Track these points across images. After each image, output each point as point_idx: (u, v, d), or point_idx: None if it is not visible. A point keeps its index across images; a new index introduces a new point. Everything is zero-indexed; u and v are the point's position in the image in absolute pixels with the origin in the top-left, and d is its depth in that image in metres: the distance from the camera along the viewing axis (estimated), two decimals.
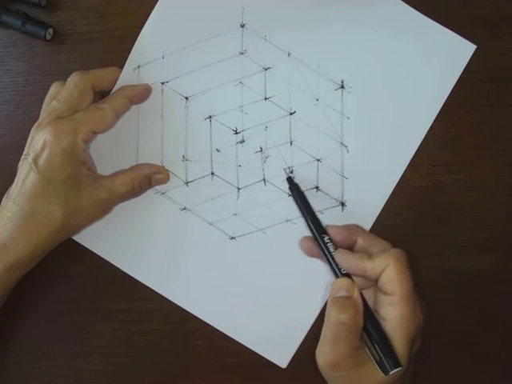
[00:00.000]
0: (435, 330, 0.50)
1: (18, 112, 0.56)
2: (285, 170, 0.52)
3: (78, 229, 0.51)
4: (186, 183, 0.53)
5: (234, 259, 0.53)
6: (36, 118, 0.50)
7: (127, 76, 0.53)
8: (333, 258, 0.46)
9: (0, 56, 0.56)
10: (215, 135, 0.53)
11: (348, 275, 0.46)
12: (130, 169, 0.51)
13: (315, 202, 0.50)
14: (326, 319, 0.44)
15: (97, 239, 0.54)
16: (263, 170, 0.52)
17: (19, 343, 0.56)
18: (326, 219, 0.51)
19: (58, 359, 0.55)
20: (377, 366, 0.43)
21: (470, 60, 0.51)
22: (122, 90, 0.52)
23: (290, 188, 0.50)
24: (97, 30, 0.55)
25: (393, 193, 0.52)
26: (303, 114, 0.52)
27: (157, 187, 0.53)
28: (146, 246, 0.53)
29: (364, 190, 0.51)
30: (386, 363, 0.42)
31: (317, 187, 0.52)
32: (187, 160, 0.53)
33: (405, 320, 0.43)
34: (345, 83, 0.52)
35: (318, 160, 0.52)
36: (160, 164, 0.53)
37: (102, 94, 0.52)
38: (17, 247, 0.47)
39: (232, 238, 0.53)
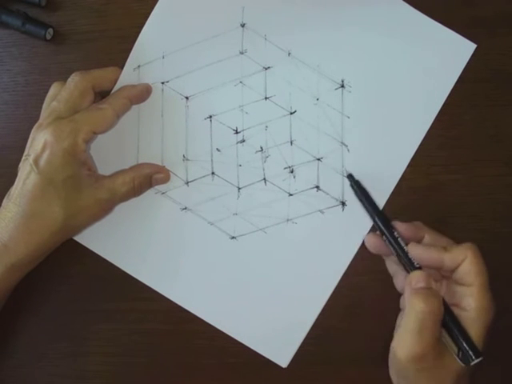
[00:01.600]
0: None
1: (18, 112, 0.56)
2: (344, 167, 0.51)
3: (79, 229, 0.51)
4: (187, 183, 0.53)
5: (234, 259, 0.53)
6: (36, 118, 0.50)
7: (127, 76, 0.53)
8: (405, 252, 0.46)
9: (0, 56, 0.56)
10: (215, 135, 0.53)
11: (420, 268, 0.46)
12: (131, 168, 0.51)
13: (316, 201, 0.49)
14: (408, 311, 0.44)
15: (97, 239, 0.54)
16: (263, 170, 0.52)
17: (19, 343, 0.56)
18: (326, 218, 0.51)
19: (58, 359, 0.55)
20: (455, 356, 0.44)
21: (470, 60, 0.51)
22: (122, 90, 0.52)
23: (352, 185, 0.50)
24: (97, 30, 0.55)
25: (393, 193, 0.52)
26: (303, 113, 0.52)
27: (157, 187, 0.53)
28: (147, 246, 0.53)
29: None
30: (467, 354, 0.43)
31: (317, 186, 0.52)
32: (188, 160, 0.53)
33: (485, 310, 0.44)
34: (345, 82, 0.52)
35: (319, 159, 0.52)
36: (160, 164, 0.53)
37: (102, 95, 0.52)
38: (18, 248, 0.47)
39: (232, 237, 0.53)
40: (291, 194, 0.52)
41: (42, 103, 0.51)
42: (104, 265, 0.54)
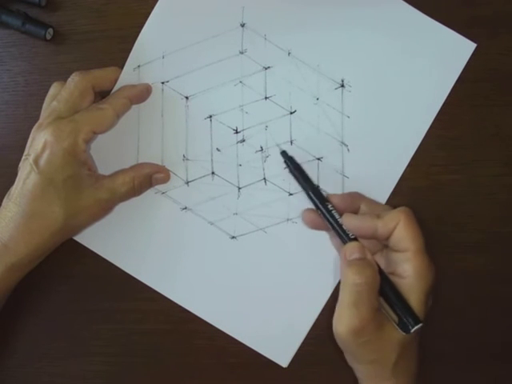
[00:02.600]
0: (435, 330, 0.50)
1: (18, 112, 0.56)
2: (278, 145, 0.51)
3: (79, 229, 0.51)
4: (187, 183, 0.53)
5: (234, 258, 0.53)
6: (36, 118, 0.50)
7: (127, 76, 0.53)
8: (339, 224, 0.46)
9: (0, 56, 0.56)
10: (215, 135, 0.53)
11: (356, 239, 0.46)
12: (131, 168, 0.51)
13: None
14: (342, 285, 0.44)
15: (97, 239, 0.54)
16: (264, 170, 0.52)
17: (19, 343, 0.56)
18: None
19: (58, 359, 0.55)
20: (396, 325, 0.43)
21: (470, 59, 0.51)
22: (122, 89, 0.52)
23: (286, 162, 0.50)
24: (97, 30, 0.55)
25: (393, 193, 0.52)
26: (303, 113, 0.52)
27: (157, 187, 0.53)
28: (147, 246, 0.53)
29: (364, 189, 0.51)
30: (406, 322, 0.43)
31: (317, 186, 0.52)
32: (188, 159, 0.53)
33: (423, 274, 0.44)
34: (345, 82, 0.52)
35: (319, 159, 0.52)
36: (160, 163, 0.53)
37: (102, 95, 0.52)
38: (18, 248, 0.47)
39: (233, 237, 0.53)
40: (291, 194, 0.52)
41: (42, 103, 0.51)
42: (104, 265, 0.54)
